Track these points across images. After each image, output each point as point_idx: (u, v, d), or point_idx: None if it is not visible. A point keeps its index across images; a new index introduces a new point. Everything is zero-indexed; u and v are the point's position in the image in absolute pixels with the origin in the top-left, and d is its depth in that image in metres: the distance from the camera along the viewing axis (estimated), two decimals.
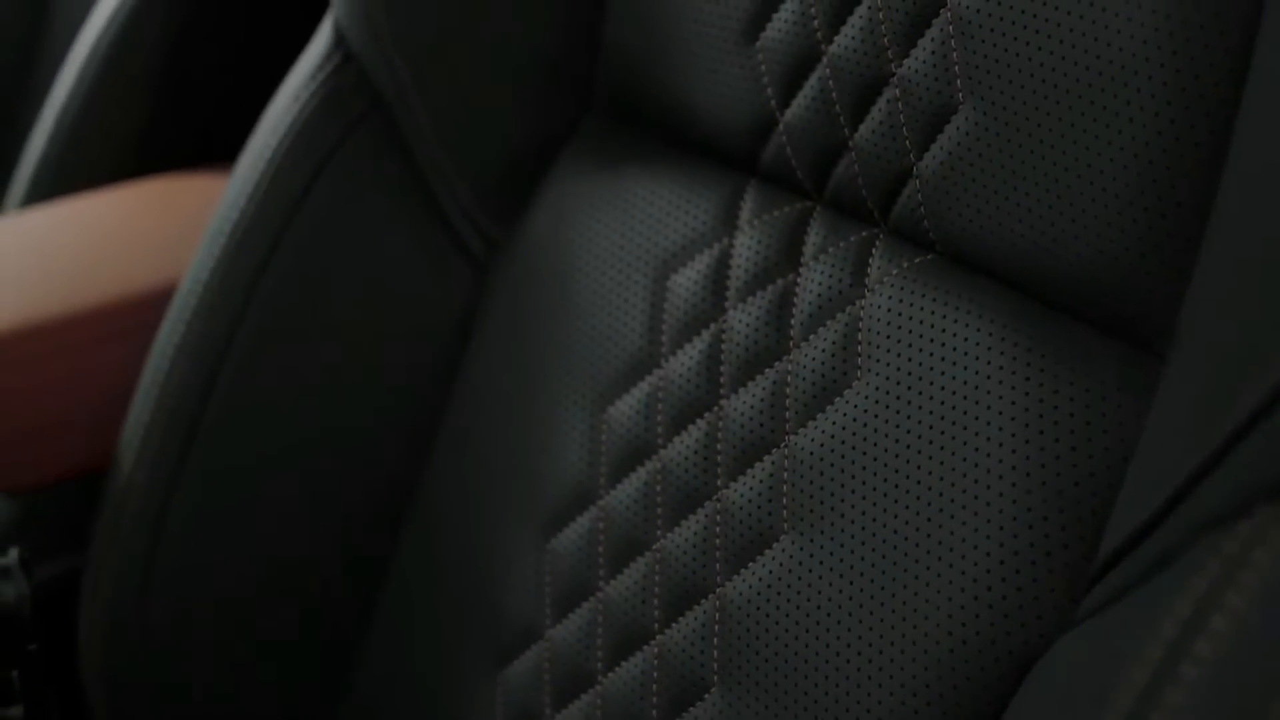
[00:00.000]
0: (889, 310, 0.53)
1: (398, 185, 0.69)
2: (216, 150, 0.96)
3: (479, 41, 0.67)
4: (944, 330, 0.51)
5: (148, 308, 0.78)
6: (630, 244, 0.63)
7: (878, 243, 0.55)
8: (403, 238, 0.69)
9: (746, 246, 0.59)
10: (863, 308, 0.54)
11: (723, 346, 0.58)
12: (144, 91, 0.97)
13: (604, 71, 0.67)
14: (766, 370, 0.57)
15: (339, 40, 0.71)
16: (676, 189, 0.63)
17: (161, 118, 0.97)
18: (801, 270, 0.57)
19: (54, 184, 0.97)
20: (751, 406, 0.56)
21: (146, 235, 0.86)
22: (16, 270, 0.82)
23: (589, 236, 0.65)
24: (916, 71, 0.52)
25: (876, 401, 0.52)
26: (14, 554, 0.62)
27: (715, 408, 0.58)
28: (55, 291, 0.79)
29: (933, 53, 0.52)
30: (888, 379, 0.52)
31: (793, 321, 0.56)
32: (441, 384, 0.69)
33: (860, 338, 0.54)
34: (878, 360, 0.53)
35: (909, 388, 0.51)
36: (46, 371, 0.76)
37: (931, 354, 0.51)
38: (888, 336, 0.53)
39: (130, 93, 0.97)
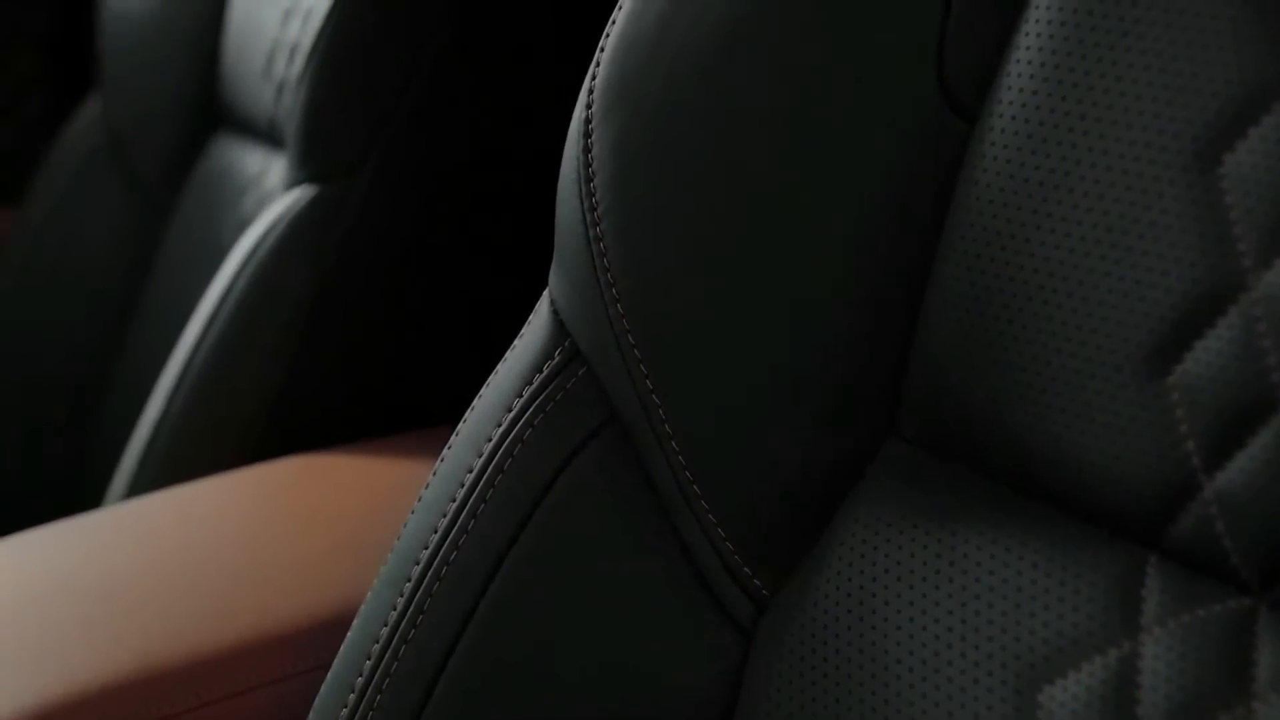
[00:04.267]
0: None
1: (635, 520, 0.54)
2: (339, 430, 0.82)
3: (743, 348, 0.52)
4: None
5: (291, 650, 0.62)
6: (975, 631, 0.47)
7: None
8: (641, 585, 0.54)
9: (1161, 660, 0.43)
10: None
11: None
12: (275, 363, 0.83)
13: (912, 392, 0.52)
14: None
15: (561, 331, 0.56)
16: (1037, 559, 0.47)
17: (289, 396, 0.83)
18: (1254, 703, 0.41)
19: (163, 470, 0.83)
20: None
21: (286, 548, 0.71)
22: (126, 594, 0.67)
23: (910, 613, 0.49)
24: None
25: None
26: None
27: None
28: (173, 631, 0.63)
29: None
30: None
31: None
32: None
33: None
34: None
35: None
36: None
37: None
38: None
39: (260, 364, 0.83)
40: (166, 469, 0.83)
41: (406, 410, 0.86)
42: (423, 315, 0.86)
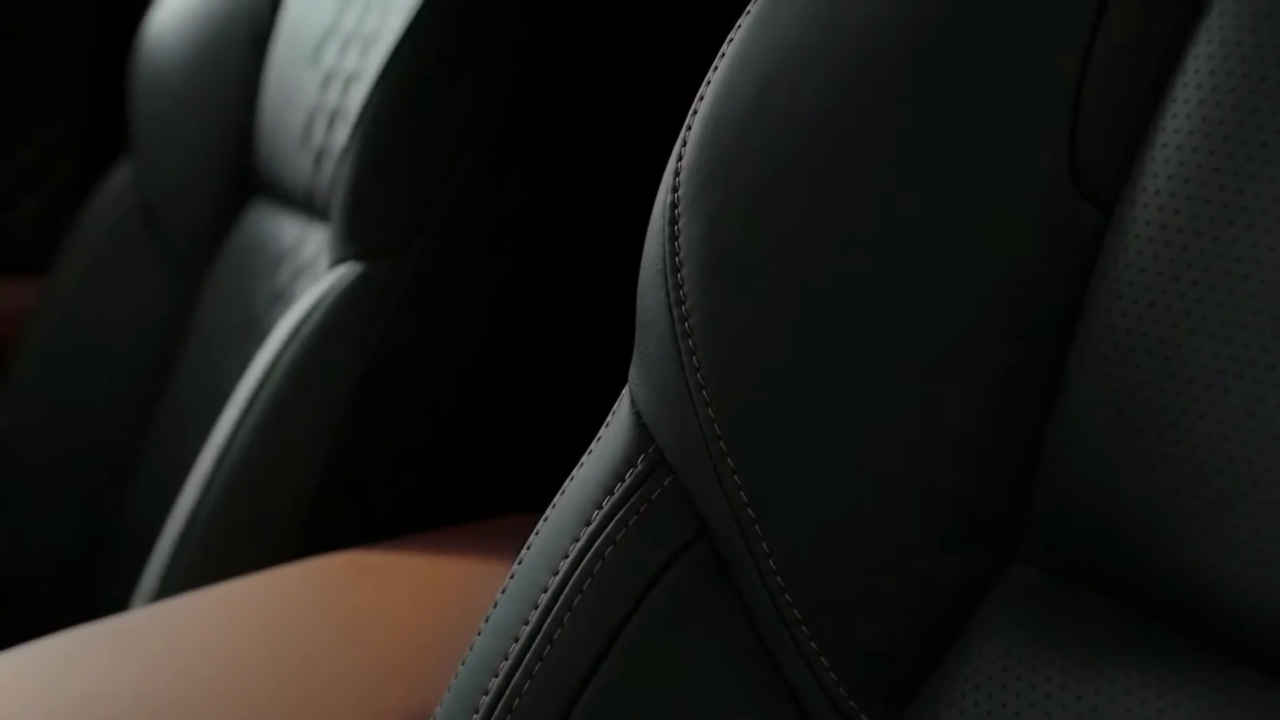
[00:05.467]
0: None
1: (728, 652, 0.49)
2: (386, 523, 0.77)
3: (854, 457, 0.47)
4: None
5: None
6: None
7: None
8: None
9: None
10: None
11: None
12: (318, 451, 0.78)
13: (1040, 511, 0.46)
14: None
15: (644, 435, 0.51)
16: (1194, 709, 0.41)
17: (333, 486, 0.78)
18: None
19: (197, 564, 0.78)
20: None
21: (331, 655, 0.65)
22: (158, 702, 0.62)
23: None
24: None
25: None
26: None
27: None
28: None
29: None
30: None
31: None
32: None
33: None
34: None
35: None
36: None
37: None
38: None
39: (302, 452, 0.78)
40: (201, 564, 0.78)
41: (459, 502, 0.81)
42: (475, 401, 0.81)
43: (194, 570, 0.78)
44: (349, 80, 1.06)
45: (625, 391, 0.53)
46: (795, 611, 0.48)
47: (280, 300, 1.11)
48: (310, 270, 1.09)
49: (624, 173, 0.83)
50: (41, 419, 1.26)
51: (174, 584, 0.79)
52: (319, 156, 1.08)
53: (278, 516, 0.78)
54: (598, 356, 0.85)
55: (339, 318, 0.79)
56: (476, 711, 0.50)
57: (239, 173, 1.19)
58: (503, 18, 0.79)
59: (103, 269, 1.27)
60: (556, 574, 0.50)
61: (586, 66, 0.81)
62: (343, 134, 1.05)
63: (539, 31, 0.78)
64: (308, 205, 1.09)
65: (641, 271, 0.52)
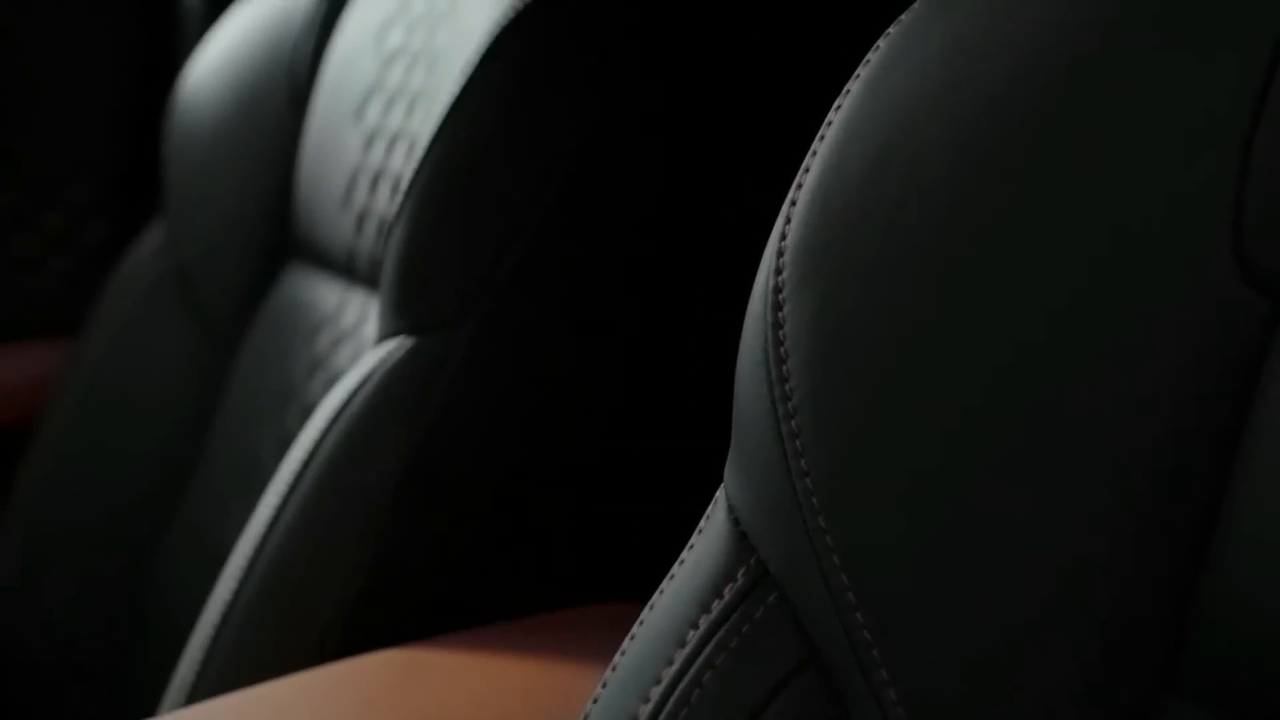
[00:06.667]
0: None
1: None
2: (438, 618, 0.72)
3: (990, 573, 0.42)
4: None
5: None
6: None
7: None
8: None
9: None
10: None
11: None
12: (365, 540, 0.73)
13: (1204, 635, 0.41)
14: None
15: (743, 545, 0.46)
16: None
17: (380, 578, 0.73)
18: None
19: (233, 663, 0.73)
20: None
21: None
22: None
23: None
24: None
25: None
26: None
27: None
28: None
29: None
30: None
31: None
32: None
33: None
34: None
35: None
36: None
37: None
38: None
39: (348, 541, 0.73)
40: (239, 661, 0.73)
41: (520, 592, 0.76)
42: (536, 484, 0.76)
43: (231, 668, 0.73)
44: (394, 139, 1.01)
45: (720, 495, 0.48)
46: None
47: (320, 369, 1.06)
48: (352, 338, 1.04)
49: (702, 239, 0.78)
50: (68, 489, 1.22)
51: (210, 682, 0.73)
52: (361, 219, 1.03)
53: (322, 610, 0.73)
54: (672, 437, 0.80)
55: (388, 395, 0.74)
56: None
57: (276, 235, 1.14)
58: (566, 78, 0.74)
59: (133, 334, 1.22)
60: (648, 703, 0.45)
61: (657, 125, 0.76)
62: (387, 195, 1.00)
63: (605, 93, 0.74)
64: (348, 269, 1.05)
65: (739, 362, 0.47)
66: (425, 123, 0.98)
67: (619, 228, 0.76)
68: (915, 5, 0.46)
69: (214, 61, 1.19)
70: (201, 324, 1.20)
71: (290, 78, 1.13)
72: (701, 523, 0.48)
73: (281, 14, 1.15)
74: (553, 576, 0.77)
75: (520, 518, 0.76)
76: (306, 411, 1.06)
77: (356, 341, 1.03)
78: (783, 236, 0.46)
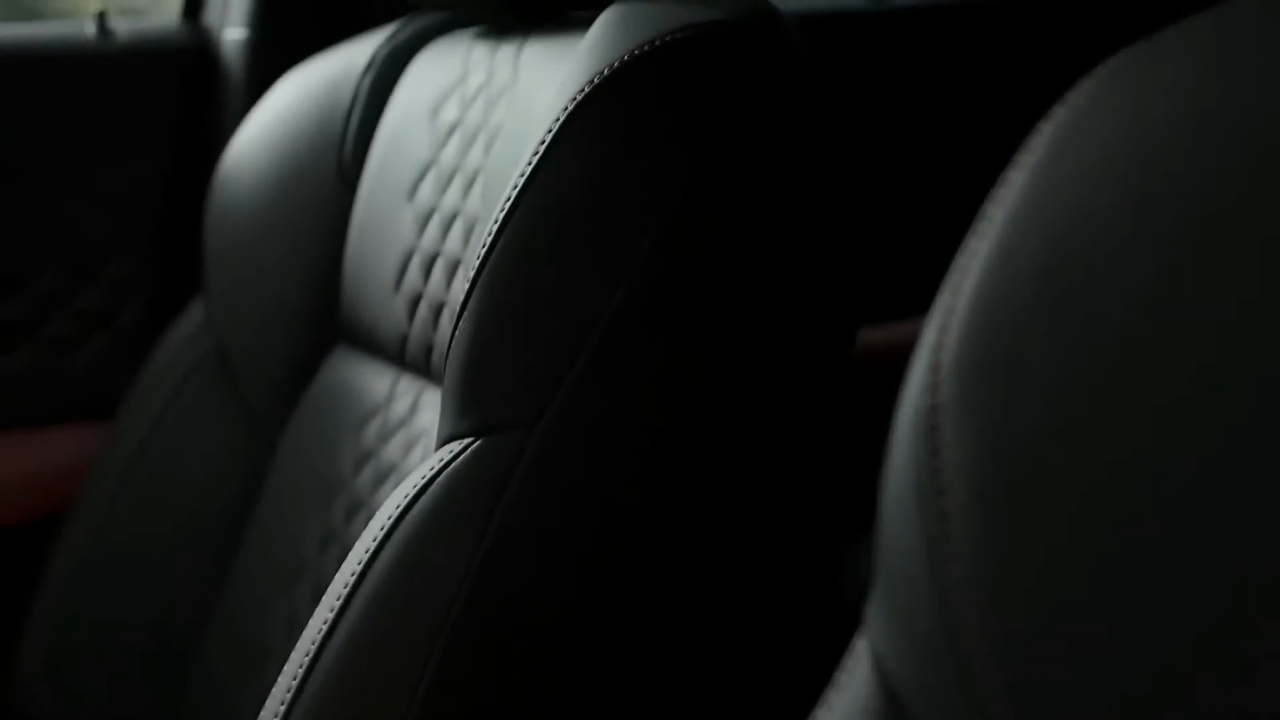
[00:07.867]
0: None
1: None
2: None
3: None
4: None
5: None
6: None
7: None
8: None
9: None
10: None
11: None
12: (420, 661, 0.67)
13: None
14: None
15: (892, 702, 0.40)
16: None
17: (436, 704, 0.67)
18: None
19: None
20: None
21: None
22: None
23: None
24: None
25: None
26: None
27: None
28: None
29: None
30: None
31: None
32: None
33: None
34: None
35: None
36: None
37: None
38: None
39: (403, 663, 0.67)
40: None
41: (595, 717, 0.70)
42: (610, 597, 0.70)
43: None
44: (450, 219, 0.96)
45: (861, 641, 0.42)
46: None
47: (369, 461, 1.00)
48: (404, 429, 0.98)
49: (792, 323, 0.72)
50: (104, 576, 1.16)
51: None
52: (414, 303, 0.98)
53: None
54: (764, 545, 0.74)
55: (452, 501, 0.68)
56: None
57: (321, 317, 1.09)
58: (644, 154, 0.69)
59: (172, 417, 1.17)
60: None
61: (740, 199, 0.70)
62: (442, 278, 0.95)
63: (686, 169, 0.68)
64: (400, 356, 0.99)
65: (885, 496, 0.41)
66: (484, 203, 0.93)
67: (700, 308, 0.70)
68: (1087, 82, 0.40)
69: (259, 136, 1.14)
70: (242, 407, 1.14)
71: (339, 154, 1.08)
72: (838, 674, 0.42)
73: (330, 88, 1.10)
74: (643, 710, 0.70)
75: (598, 633, 0.70)
76: (354, 506, 1.00)
77: (409, 433, 0.97)
78: (936, 347, 0.40)
